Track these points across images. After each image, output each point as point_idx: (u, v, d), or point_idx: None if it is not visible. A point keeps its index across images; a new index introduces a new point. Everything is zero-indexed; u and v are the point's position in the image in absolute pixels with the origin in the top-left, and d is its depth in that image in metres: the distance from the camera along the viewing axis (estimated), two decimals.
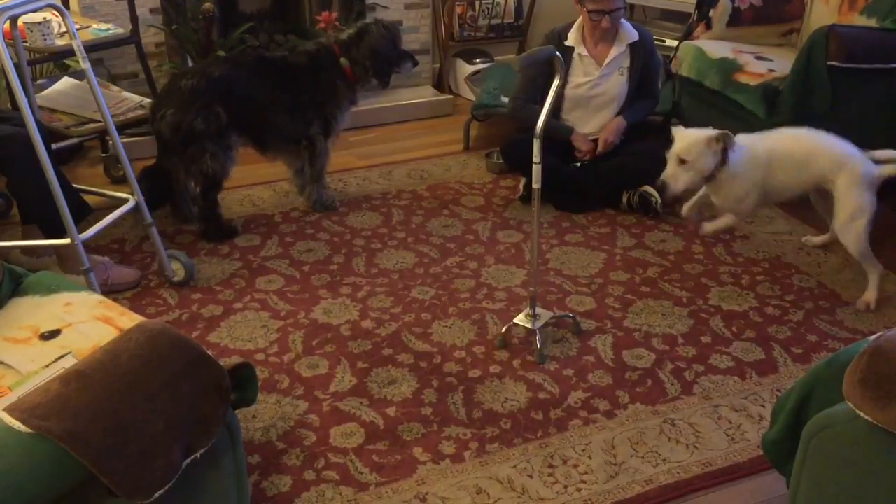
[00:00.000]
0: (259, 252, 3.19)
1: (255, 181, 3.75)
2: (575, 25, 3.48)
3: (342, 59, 3.35)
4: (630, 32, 3.45)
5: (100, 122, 3.12)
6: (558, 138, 3.45)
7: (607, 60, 3.44)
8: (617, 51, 3.44)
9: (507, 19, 4.85)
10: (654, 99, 3.64)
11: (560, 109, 3.54)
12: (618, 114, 3.53)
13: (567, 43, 3.46)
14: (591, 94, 3.49)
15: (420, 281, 2.99)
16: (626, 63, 3.47)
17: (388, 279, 3.00)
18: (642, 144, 3.50)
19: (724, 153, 2.76)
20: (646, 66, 3.49)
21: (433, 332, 2.70)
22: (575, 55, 3.46)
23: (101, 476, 1.34)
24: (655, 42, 3.66)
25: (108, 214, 2.72)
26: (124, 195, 2.84)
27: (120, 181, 3.60)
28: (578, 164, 3.53)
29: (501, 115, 3.93)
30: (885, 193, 3.60)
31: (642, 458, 2.20)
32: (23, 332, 1.82)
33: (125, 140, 3.11)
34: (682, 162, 2.77)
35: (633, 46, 3.45)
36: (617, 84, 3.48)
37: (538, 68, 3.13)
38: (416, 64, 3.54)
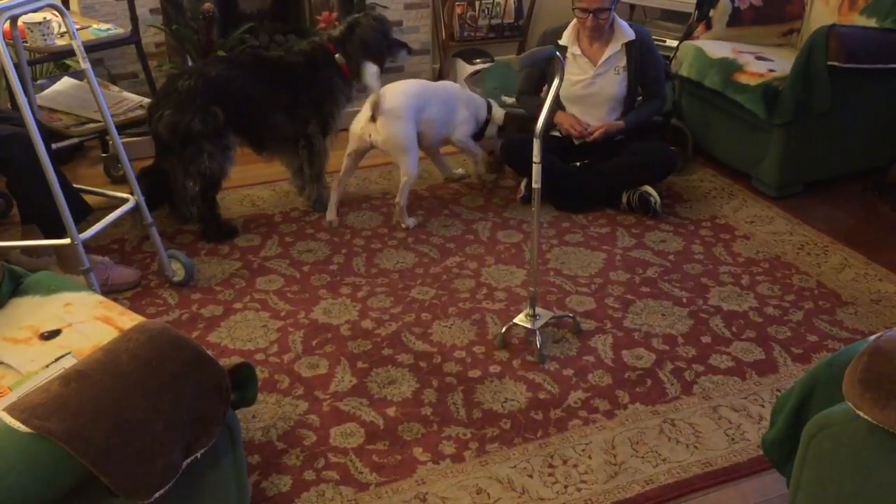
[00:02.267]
0: (259, 252, 3.19)
1: (255, 181, 3.75)
2: (570, 25, 3.50)
3: (337, 56, 3.35)
4: (626, 32, 3.45)
5: (100, 122, 3.12)
6: (533, 114, 3.57)
7: (602, 59, 3.45)
8: (612, 50, 3.45)
9: (507, 19, 4.85)
10: (660, 99, 3.65)
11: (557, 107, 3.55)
12: (624, 112, 3.53)
13: (561, 42, 3.48)
14: (586, 92, 3.49)
15: (420, 281, 2.99)
16: (623, 62, 3.47)
17: (388, 279, 3.00)
18: (642, 144, 3.50)
19: None
20: (644, 64, 3.48)
21: (433, 332, 2.70)
22: (568, 54, 3.48)
23: (101, 476, 1.34)
24: (655, 42, 3.66)
25: (108, 214, 2.72)
26: (124, 195, 2.84)
27: (120, 181, 3.60)
28: (578, 163, 3.53)
29: None
30: (886, 193, 3.64)
31: (642, 458, 2.20)
32: (23, 332, 1.82)
33: (125, 140, 3.11)
34: None
35: (628, 45, 3.45)
36: (613, 83, 3.48)
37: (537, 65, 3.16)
38: (410, 52, 3.54)
